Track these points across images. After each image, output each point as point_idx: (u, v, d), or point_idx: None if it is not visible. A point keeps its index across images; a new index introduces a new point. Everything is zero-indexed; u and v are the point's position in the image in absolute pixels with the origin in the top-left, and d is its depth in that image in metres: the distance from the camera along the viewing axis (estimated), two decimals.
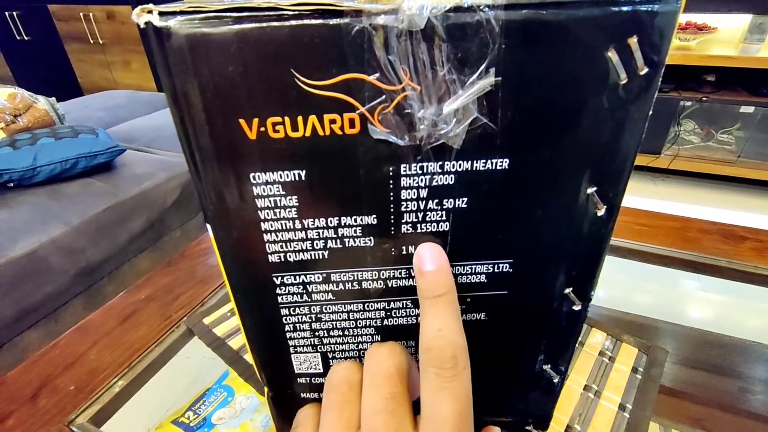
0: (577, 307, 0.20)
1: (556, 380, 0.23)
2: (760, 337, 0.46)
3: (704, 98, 1.59)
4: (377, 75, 0.14)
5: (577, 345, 0.42)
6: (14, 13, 2.77)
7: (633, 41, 0.13)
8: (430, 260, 0.17)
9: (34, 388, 0.39)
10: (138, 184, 1.06)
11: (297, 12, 0.13)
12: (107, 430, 0.37)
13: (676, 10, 0.13)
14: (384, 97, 0.14)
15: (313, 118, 0.14)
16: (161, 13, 0.13)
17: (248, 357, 0.43)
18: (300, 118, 0.14)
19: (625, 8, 0.13)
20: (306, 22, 0.13)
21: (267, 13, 0.13)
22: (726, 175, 1.64)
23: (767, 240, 0.56)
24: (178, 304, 0.50)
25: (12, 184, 0.97)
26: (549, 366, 0.22)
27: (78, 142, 1.01)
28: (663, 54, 0.14)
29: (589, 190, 0.16)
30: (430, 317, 0.17)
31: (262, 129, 0.15)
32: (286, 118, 0.14)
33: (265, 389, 0.23)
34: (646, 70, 0.14)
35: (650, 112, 0.15)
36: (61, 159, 0.97)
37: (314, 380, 0.22)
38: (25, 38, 2.86)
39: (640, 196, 1.66)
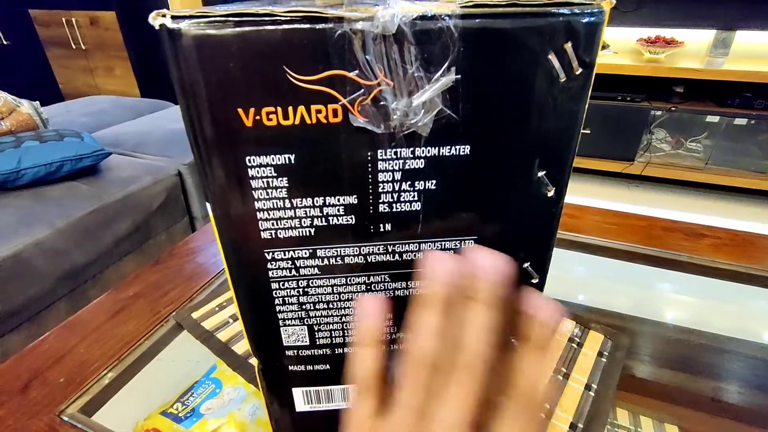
0: (535, 280, 0.22)
1: None
2: (723, 330, 0.50)
3: (673, 108, 1.67)
4: (357, 72, 0.16)
5: None
6: None
7: (568, 46, 0.16)
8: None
9: (24, 381, 0.40)
10: (123, 188, 1.06)
11: (289, 18, 0.15)
12: (97, 420, 0.38)
13: (601, 21, 0.16)
14: (362, 90, 0.17)
15: (301, 108, 0.17)
16: (173, 17, 0.15)
17: (236, 348, 0.44)
18: (290, 108, 0.17)
19: (560, 19, 0.16)
20: (296, 26, 0.15)
21: (263, 18, 0.15)
22: (695, 181, 1.72)
23: (724, 237, 0.60)
24: (167, 300, 0.51)
25: None
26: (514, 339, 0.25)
27: (63, 146, 1.01)
28: (593, 57, 0.17)
29: (540, 174, 0.19)
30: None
31: (258, 117, 0.17)
32: (279, 108, 0.17)
33: (256, 362, 0.25)
34: (580, 70, 0.17)
35: (586, 106, 0.18)
36: (46, 162, 0.97)
37: (301, 353, 0.24)
38: (4, 43, 2.81)
39: (615, 201, 1.73)
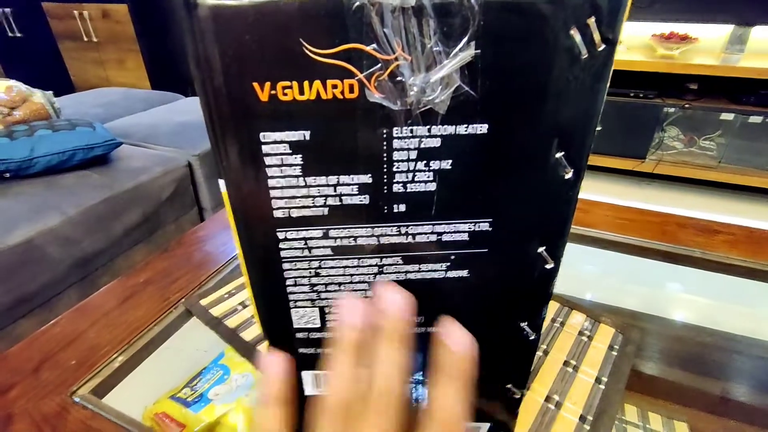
0: (549, 266, 0.22)
1: (532, 338, 0.25)
2: (736, 328, 0.49)
3: (687, 105, 1.64)
4: (374, 45, 0.16)
5: (558, 325, 0.44)
6: (7, 10, 2.76)
7: (591, 21, 0.16)
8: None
9: (36, 363, 0.41)
10: (134, 178, 1.07)
11: None
12: (108, 403, 0.39)
13: None
14: (380, 65, 0.16)
15: (317, 83, 0.17)
16: None
17: (245, 335, 0.44)
18: (306, 83, 0.16)
19: None
20: None
21: None
22: (708, 180, 1.70)
23: (739, 233, 0.59)
24: (176, 287, 0.51)
25: (8, 175, 0.98)
26: (526, 323, 0.24)
27: (75, 135, 1.02)
28: (617, 33, 0.16)
29: (558, 155, 0.19)
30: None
31: (273, 92, 0.17)
32: (294, 83, 0.16)
33: (266, 344, 0.25)
34: (603, 46, 0.16)
35: (608, 84, 0.17)
36: (58, 151, 0.98)
37: (312, 335, 0.24)
38: (18, 35, 2.84)
39: (626, 199, 1.71)
